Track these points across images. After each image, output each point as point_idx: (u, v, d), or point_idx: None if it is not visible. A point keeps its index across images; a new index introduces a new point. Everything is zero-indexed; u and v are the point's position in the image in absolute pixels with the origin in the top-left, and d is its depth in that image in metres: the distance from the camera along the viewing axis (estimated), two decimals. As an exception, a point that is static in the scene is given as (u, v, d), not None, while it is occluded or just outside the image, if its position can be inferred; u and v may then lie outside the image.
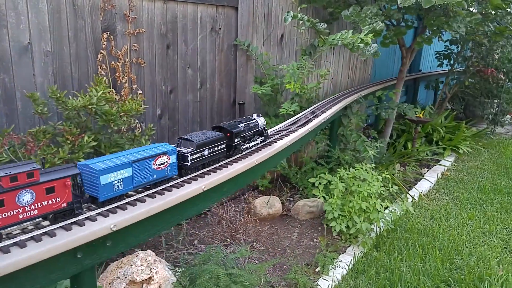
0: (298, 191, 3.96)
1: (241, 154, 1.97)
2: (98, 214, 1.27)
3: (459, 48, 6.47)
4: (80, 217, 1.23)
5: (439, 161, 5.19)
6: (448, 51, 6.52)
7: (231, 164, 1.83)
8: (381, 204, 3.05)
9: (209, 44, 3.66)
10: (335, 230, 3.03)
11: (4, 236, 1.10)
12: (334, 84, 5.27)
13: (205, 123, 3.77)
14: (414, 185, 4.29)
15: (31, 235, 1.11)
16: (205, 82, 3.72)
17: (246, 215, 3.37)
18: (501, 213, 3.75)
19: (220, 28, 3.72)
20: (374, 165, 3.74)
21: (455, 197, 4.13)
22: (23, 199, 1.11)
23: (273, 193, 4.03)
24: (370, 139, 4.38)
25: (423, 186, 4.29)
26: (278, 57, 4.15)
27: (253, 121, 2.07)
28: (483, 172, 4.93)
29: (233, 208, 3.56)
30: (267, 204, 3.49)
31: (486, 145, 6.15)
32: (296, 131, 2.61)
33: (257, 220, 3.39)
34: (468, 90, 7.02)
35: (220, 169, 1.76)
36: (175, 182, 1.57)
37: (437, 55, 6.92)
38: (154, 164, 1.46)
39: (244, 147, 1.99)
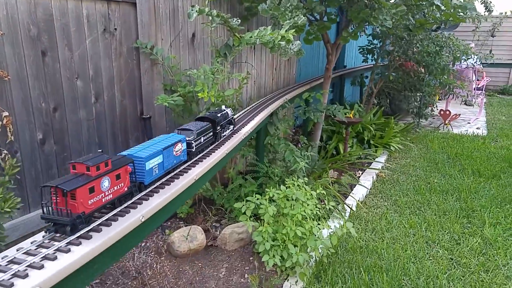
0: (225, 214, 3.41)
1: (220, 140, 2.25)
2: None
3: (381, 43, 6.39)
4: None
5: (372, 162, 4.97)
6: (371, 45, 6.41)
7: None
8: (318, 227, 2.61)
9: (103, 48, 2.97)
10: (268, 264, 2.52)
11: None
12: (258, 87, 4.80)
13: (106, 143, 3.07)
14: (351, 192, 3.97)
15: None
16: (102, 94, 3.02)
17: (163, 253, 2.74)
18: (439, 216, 3.55)
19: (115, 29, 3.03)
20: (306, 177, 3.32)
21: (393, 201, 3.87)
22: (104, 185, 1.27)
23: (196, 219, 3.44)
24: (300, 145, 3.98)
25: (360, 192, 3.99)
26: (191, 59, 3.55)
27: (225, 111, 2.35)
28: (416, 170, 4.79)
29: (146, 249, 2.91)
30: (187, 238, 2.88)
31: (415, 139, 6.13)
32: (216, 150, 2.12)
33: (177, 259, 2.78)
34: (393, 84, 7.02)
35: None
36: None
37: (361, 50, 6.81)
38: (174, 150, 1.66)
39: (223, 134, 2.28)
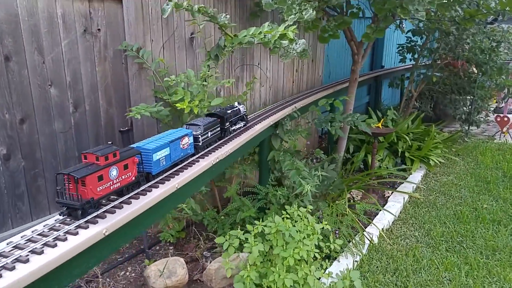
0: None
1: (230, 136, 2.29)
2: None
3: (424, 39, 5.59)
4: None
5: (406, 177, 4.26)
6: (411, 43, 5.63)
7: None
8: (315, 274, 2.05)
9: (83, 51, 2.62)
10: (250, 319, 2.00)
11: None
12: (275, 91, 4.27)
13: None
14: (375, 217, 3.33)
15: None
16: (82, 103, 2.68)
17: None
18: (487, 256, 2.82)
19: (99, 29, 2.67)
20: (315, 201, 2.75)
21: (426, 232, 3.17)
22: (112, 174, 1.35)
23: (187, 245, 2.99)
24: (314, 161, 3.41)
25: (386, 217, 3.33)
26: (189, 63, 3.10)
27: (236, 108, 2.38)
28: (459, 190, 4.01)
29: (126, 279, 2.49)
30: (163, 273, 2.43)
31: (461, 151, 5.27)
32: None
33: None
34: (437, 86, 6.16)
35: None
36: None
37: (400, 48, 6.03)
38: (181, 144, 1.74)
39: (232, 129, 2.29)
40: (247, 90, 3.25)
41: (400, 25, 4.55)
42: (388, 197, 3.80)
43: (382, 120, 4.06)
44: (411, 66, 6.05)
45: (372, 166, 3.76)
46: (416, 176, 4.36)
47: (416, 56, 5.67)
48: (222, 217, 2.91)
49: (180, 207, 2.63)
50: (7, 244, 1.12)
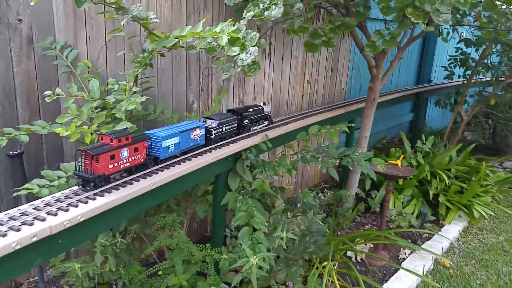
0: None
1: (248, 133, 2.36)
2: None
3: (480, 52, 4.43)
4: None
5: (433, 234, 3.21)
6: (462, 55, 4.49)
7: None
8: None
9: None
10: None
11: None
12: (275, 106, 3.44)
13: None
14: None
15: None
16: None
17: None
18: None
19: (20, 20, 2.04)
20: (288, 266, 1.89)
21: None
22: (123, 155, 1.53)
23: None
24: (294, 208, 2.52)
25: (393, 294, 2.36)
26: (148, 69, 2.38)
27: (260, 107, 2.48)
28: (511, 262, 2.90)
29: None
30: None
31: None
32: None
33: None
34: (497, 110, 4.94)
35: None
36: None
37: (451, 61, 4.89)
38: (192, 134, 1.90)
39: (253, 128, 2.41)
40: (215, 105, 2.47)
41: (440, 31, 3.49)
42: (404, 259, 2.81)
43: (402, 156, 3.04)
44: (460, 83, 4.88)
45: (383, 220, 2.78)
46: (452, 230, 3.29)
47: (469, 72, 4.51)
48: (147, 278, 2.13)
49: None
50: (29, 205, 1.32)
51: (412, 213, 3.37)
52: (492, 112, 4.95)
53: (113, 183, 1.50)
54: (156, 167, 1.70)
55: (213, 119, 2.06)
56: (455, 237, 3.22)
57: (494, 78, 4.58)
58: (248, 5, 1.87)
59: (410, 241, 3.08)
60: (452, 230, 3.29)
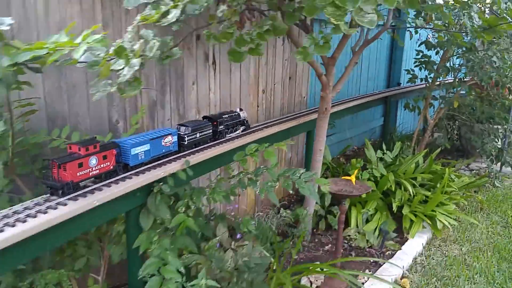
0: None
1: (225, 138, 2.44)
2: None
3: (437, 54, 4.34)
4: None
5: (395, 251, 3.06)
6: (423, 58, 4.39)
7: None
8: None
9: None
10: None
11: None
12: (226, 119, 3.22)
13: None
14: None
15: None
16: None
17: None
18: None
19: None
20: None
21: None
22: (92, 162, 1.61)
23: None
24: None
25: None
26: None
27: (236, 113, 2.58)
28: (474, 277, 2.76)
29: None
30: None
31: (486, 203, 3.95)
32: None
33: None
34: (461, 112, 4.87)
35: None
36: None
37: (417, 63, 4.79)
38: (163, 141, 1.98)
39: (229, 134, 2.48)
40: (132, 128, 2.23)
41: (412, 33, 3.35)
42: (363, 283, 2.63)
43: (356, 171, 2.88)
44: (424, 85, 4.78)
45: (338, 244, 2.59)
46: (415, 244, 3.14)
47: (432, 74, 4.41)
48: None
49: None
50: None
51: (375, 229, 3.21)
52: (456, 114, 4.87)
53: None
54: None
55: (187, 126, 2.15)
56: (418, 252, 3.08)
57: (456, 80, 4.50)
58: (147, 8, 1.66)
59: (371, 260, 2.92)
60: (416, 244, 3.15)
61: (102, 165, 1.67)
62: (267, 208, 3.91)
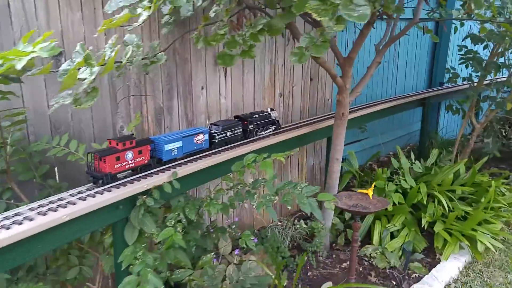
0: None
1: (255, 137, 2.52)
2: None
3: (485, 49, 3.81)
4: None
5: (423, 275, 2.66)
6: (466, 54, 3.89)
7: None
8: None
9: None
10: None
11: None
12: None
13: None
14: None
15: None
16: None
17: None
18: None
19: None
20: None
21: None
22: (128, 156, 1.77)
23: None
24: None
25: None
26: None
27: (266, 113, 2.62)
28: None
29: None
30: None
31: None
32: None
33: None
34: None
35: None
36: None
37: (462, 60, 4.27)
38: (195, 139, 2.11)
39: (260, 133, 2.55)
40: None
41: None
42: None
43: (373, 185, 2.50)
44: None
45: (351, 265, 2.26)
46: (448, 268, 2.72)
47: (478, 73, 3.90)
48: None
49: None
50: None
51: (400, 248, 2.82)
52: (510, 118, 4.28)
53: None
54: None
55: (218, 125, 2.28)
56: (453, 277, 2.65)
57: (510, 79, 3.93)
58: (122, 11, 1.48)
59: (394, 283, 2.55)
60: (449, 267, 2.72)
61: (137, 159, 1.82)
62: (285, 217, 3.64)
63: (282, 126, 2.85)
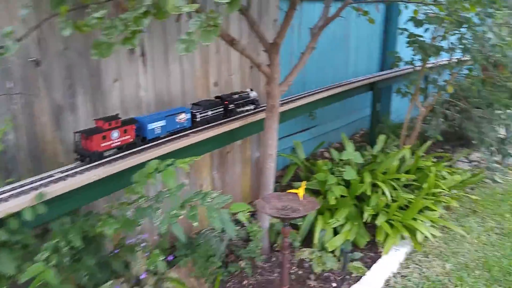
0: None
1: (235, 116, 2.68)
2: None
3: (426, 32, 3.74)
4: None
5: (362, 274, 2.58)
6: (411, 38, 3.80)
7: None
8: None
9: None
10: None
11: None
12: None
13: None
14: None
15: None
16: None
17: None
18: None
19: None
20: None
21: None
22: (114, 135, 1.90)
23: None
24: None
25: None
26: None
27: (245, 93, 2.79)
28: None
29: None
30: None
31: (482, 203, 3.41)
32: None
33: None
34: (458, 99, 4.28)
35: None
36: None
37: (410, 43, 4.18)
38: (177, 118, 2.25)
39: (239, 110, 2.70)
40: None
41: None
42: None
43: (304, 183, 2.34)
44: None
45: (283, 273, 2.12)
46: (388, 263, 2.66)
47: (421, 56, 3.83)
48: None
49: None
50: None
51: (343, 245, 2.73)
52: (451, 100, 4.28)
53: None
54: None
55: (199, 105, 2.42)
56: (394, 271, 2.59)
57: (451, 62, 3.90)
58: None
59: (334, 285, 2.46)
60: (390, 262, 2.66)
61: (123, 138, 1.95)
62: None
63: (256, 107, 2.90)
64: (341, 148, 4.53)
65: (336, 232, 2.87)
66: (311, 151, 4.50)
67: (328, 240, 2.75)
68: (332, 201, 2.94)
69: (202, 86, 2.99)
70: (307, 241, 2.87)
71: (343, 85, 3.97)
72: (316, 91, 3.64)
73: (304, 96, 3.43)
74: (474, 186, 3.71)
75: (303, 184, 2.22)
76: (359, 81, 4.31)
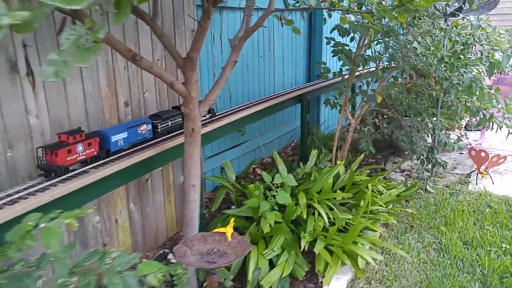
0: None
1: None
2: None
3: (351, 41, 3.65)
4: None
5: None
6: (336, 47, 3.68)
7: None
8: None
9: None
10: None
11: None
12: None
13: None
14: None
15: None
16: None
17: None
18: None
19: None
20: None
21: None
22: (78, 149, 1.90)
23: None
24: None
25: None
26: None
27: None
28: None
29: None
30: None
31: (418, 217, 3.34)
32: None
33: None
34: (388, 108, 4.27)
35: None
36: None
37: (334, 52, 4.06)
38: (139, 129, 2.26)
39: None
40: None
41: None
42: None
43: (232, 220, 2.00)
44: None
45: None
46: (331, 294, 2.41)
47: (348, 66, 3.71)
48: None
49: None
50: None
51: (280, 278, 2.42)
52: (379, 110, 4.25)
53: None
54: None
55: (159, 115, 2.44)
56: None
57: (378, 71, 3.85)
58: None
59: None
60: (332, 293, 2.41)
61: (87, 151, 1.97)
62: (152, 252, 3.02)
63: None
64: (273, 164, 4.29)
65: (272, 263, 2.55)
66: (243, 169, 4.19)
67: (264, 276, 2.42)
68: (267, 229, 2.63)
69: (111, 106, 2.53)
70: (241, 277, 2.52)
71: (271, 98, 3.72)
72: (244, 106, 3.33)
73: (231, 114, 3.10)
74: (408, 198, 3.65)
75: (231, 221, 1.86)
76: (287, 93, 4.10)
